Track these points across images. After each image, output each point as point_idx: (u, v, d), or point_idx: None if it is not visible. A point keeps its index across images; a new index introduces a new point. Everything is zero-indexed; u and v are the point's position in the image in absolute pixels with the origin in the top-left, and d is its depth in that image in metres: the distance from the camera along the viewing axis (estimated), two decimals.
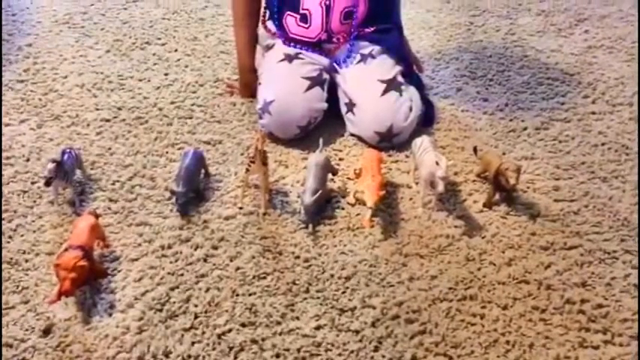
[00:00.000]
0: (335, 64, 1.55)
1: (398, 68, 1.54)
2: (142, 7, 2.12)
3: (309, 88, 1.49)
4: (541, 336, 1.08)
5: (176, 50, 1.89)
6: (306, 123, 1.48)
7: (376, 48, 1.55)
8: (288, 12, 1.55)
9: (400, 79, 1.53)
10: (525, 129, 1.57)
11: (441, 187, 1.23)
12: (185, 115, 1.62)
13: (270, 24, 1.62)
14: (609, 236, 1.27)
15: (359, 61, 1.54)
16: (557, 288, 1.16)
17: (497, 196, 1.34)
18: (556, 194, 1.37)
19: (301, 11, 1.53)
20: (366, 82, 1.51)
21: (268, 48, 1.62)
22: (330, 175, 1.37)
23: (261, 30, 1.64)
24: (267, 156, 1.33)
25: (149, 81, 1.75)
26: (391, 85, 1.50)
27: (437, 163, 1.23)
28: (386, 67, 1.54)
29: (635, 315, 1.11)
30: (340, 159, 1.48)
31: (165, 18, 2.06)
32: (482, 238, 1.26)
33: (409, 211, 1.33)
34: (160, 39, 1.94)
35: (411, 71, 1.60)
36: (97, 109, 1.63)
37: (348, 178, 1.40)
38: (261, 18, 1.64)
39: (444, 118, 1.60)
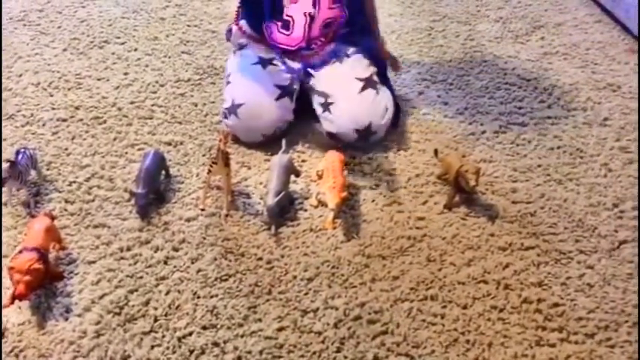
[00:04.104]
0: (309, 69, 1.53)
1: (373, 69, 1.55)
2: (100, 5, 2.08)
3: (280, 97, 1.48)
4: (499, 335, 1.10)
5: (136, 50, 1.86)
6: (271, 132, 1.47)
7: (351, 48, 1.55)
8: (271, 19, 1.51)
9: (376, 78, 1.54)
10: (484, 132, 1.60)
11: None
12: (145, 115, 1.59)
13: (244, 24, 1.59)
14: (564, 237, 1.30)
15: (334, 61, 1.53)
16: (515, 288, 1.19)
17: (457, 198, 1.36)
18: (514, 196, 1.40)
19: (284, 17, 1.50)
20: (344, 80, 1.50)
21: (241, 47, 1.59)
22: (293, 177, 1.37)
23: (234, 29, 1.62)
24: (230, 157, 1.32)
25: (108, 80, 1.71)
26: (368, 83, 1.50)
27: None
28: (362, 66, 1.54)
29: (590, 313, 1.15)
30: (303, 160, 1.47)
31: (125, 17, 2.02)
32: (443, 239, 1.28)
33: (371, 212, 1.33)
34: (119, 38, 1.91)
35: (384, 73, 1.61)
36: (54, 109, 1.59)
37: (311, 180, 1.40)
38: (234, 16, 1.62)
39: (406, 121, 1.62)
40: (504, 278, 1.20)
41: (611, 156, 1.54)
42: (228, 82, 1.54)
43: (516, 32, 2.08)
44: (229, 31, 1.66)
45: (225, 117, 1.49)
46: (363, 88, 1.48)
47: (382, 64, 1.62)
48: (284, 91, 1.49)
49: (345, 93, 1.48)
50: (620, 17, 2.15)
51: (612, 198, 1.41)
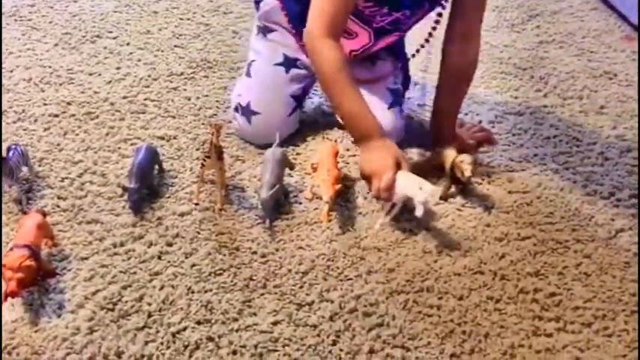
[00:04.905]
0: None
1: (399, 72, 1.55)
2: None
3: (293, 111, 1.48)
4: (496, 325, 1.09)
5: (128, 44, 1.84)
6: (274, 141, 1.45)
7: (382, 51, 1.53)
8: None
9: (400, 86, 1.54)
10: (480, 122, 1.59)
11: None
12: (138, 109, 1.58)
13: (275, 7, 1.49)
14: (561, 226, 1.29)
15: (366, 63, 1.50)
16: (512, 278, 1.18)
17: (453, 189, 1.35)
18: (510, 186, 1.39)
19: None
20: (374, 89, 1.47)
21: (268, 30, 1.52)
22: (287, 170, 1.36)
23: (262, 7, 1.51)
24: (223, 151, 1.30)
25: (100, 75, 1.70)
26: (396, 98, 1.49)
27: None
28: (391, 71, 1.53)
29: (587, 303, 1.14)
30: (297, 153, 1.46)
31: (117, 11, 2.01)
32: (439, 230, 1.27)
33: (367, 205, 1.33)
34: (111, 32, 1.89)
35: (403, 71, 1.60)
36: (45, 104, 1.58)
37: (306, 173, 1.39)
38: None
39: None
40: (501, 269, 1.20)
41: (607, 144, 1.53)
42: (249, 74, 1.50)
43: (512, 21, 2.07)
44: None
45: (237, 111, 1.47)
46: (392, 105, 1.47)
47: (404, 62, 1.59)
48: (297, 103, 1.49)
49: (375, 104, 1.41)
50: (616, 4, 2.14)
51: (609, 186, 1.40)
